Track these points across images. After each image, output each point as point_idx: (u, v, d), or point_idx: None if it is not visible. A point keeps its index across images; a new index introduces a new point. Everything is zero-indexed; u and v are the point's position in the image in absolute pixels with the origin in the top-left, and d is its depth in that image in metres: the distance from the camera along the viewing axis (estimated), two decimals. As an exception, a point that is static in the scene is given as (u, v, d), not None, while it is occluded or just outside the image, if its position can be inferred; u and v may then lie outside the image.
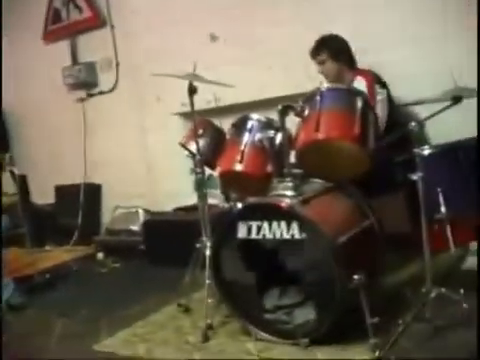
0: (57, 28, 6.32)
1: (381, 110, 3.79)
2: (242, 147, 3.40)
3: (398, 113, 3.93)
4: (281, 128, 3.17)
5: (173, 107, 5.20)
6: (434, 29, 4.01)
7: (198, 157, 3.53)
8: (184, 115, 5.13)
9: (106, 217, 6.15)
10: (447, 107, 2.92)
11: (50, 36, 6.39)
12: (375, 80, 3.91)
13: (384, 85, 3.95)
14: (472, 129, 3.28)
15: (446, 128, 3.62)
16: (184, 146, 3.93)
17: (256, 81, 4.75)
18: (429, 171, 2.97)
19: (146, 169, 5.84)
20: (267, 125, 3.42)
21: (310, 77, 4.24)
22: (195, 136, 3.54)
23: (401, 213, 3.40)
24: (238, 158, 3.37)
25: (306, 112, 3.10)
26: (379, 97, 3.84)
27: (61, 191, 6.53)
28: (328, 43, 4.00)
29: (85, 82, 6.17)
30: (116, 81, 6.01)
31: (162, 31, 5.37)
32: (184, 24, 5.19)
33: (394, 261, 3.67)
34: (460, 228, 3.05)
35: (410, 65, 4.09)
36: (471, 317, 2.90)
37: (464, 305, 2.90)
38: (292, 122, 3.28)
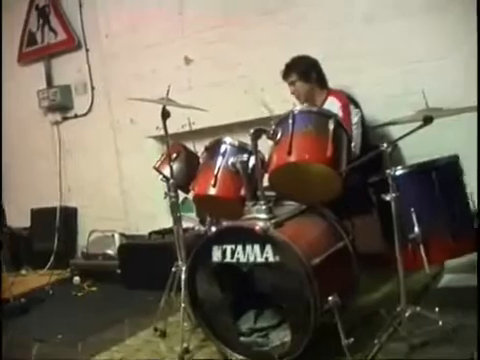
0: (32, 51, 6.35)
1: (356, 132, 3.86)
2: (216, 171, 3.40)
3: (371, 134, 3.99)
4: (254, 152, 3.18)
5: (148, 130, 5.22)
6: (407, 51, 4.09)
7: (172, 181, 3.54)
8: (159, 138, 5.16)
9: (82, 241, 6.11)
10: (418, 128, 2.94)
11: (25, 58, 6.42)
12: (349, 101, 3.97)
13: (357, 105, 4.01)
14: (445, 149, 3.33)
15: (420, 148, 3.68)
16: (158, 170, 3.95)
17: (231, 104, 4.81)
18: (402, 191, 2.99)
19: (121, 192, 5.84)
20: (240, 149, 3.43)
21: (285, 100, 4.28)
22: (169, 160, 3.55)
23: (375, 233, 3.42)
24: (212, 182, 3.37)
25: (278, 135, 3.11)
26: (355, 119, 3.90)
27: (37, 214, 6.50)
28: (297, 64, 4.06)
29: (60, 105, 6.20)
30: (91, 104, 6.04)
31: (137, 54, 5.42)
32: (159, 47, 5.24)
33: (369, 281, 3.68)
34: (434, 247, 3.07)
35: (383, 85, 4.17)
36: (447, 335, 2.92)
37: (440, 323, 2.93)
38: (267, 145, 3.30)
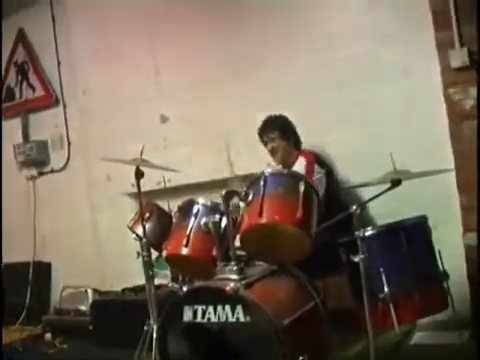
0: (10, 106, 6.41)
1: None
2: (188, 231, 3.43)
3: (343, 194, 4.07)
4: (225, 213, 3.23)
5: (124, 187, 5.23)
6: (375, 115, 4.22)
7: (144, 240, 3.56)
8: (135, 195, 5.17)
9: (55, 296, 6.05)
10: (387, 190, 3.00)
11: (3, 113, 6.44)
12: (315, 160, 4.07)
13: (323, 165, 4.10)
14: (413, 209, 3.40)
15: (389, 208, 3.75)
16: (131, 229, 3.98)
17: (205, 163, 4.89)
18: (372, 252, 3.02)
19: (96, 248, 5.82)
20: (212, 209, 3.47)
21: (260, 159, 4.39)
22: (141, 220, 3.58)
23: (346, 293, 3.45)
24: (184, 242, 3.40)
25: (250, 197, 3.17)
26: (316, 176, 3.97)
27: (10, 269, 6.39)
28: (276, 121, 4.17)
29: (36, 160, 6.23)
30: (67, 160, 6.07)
31: (114, 111, 5.50)
32: (135, 105, 5.32)
33: (340, 341, 3.67)
34: (404, 307, 3.09)
35: (353, 147, 4.26)
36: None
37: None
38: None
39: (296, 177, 3.25)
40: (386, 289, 3.05)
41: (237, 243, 3.24)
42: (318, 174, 4.00)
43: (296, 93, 4.50)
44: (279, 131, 4.14)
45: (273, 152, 4.18)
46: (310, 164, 4.01)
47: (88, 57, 5.73)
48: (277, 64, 4.60)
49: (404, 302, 3.10)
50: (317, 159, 4.11)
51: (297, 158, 4.13)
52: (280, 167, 4.15)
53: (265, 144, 4.23)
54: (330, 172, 4.14)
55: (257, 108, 4.51)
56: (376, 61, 4.20)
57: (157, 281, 3.78)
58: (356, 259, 2.99)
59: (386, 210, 3.80)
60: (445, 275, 3.20)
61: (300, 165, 4.00)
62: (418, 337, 3.87)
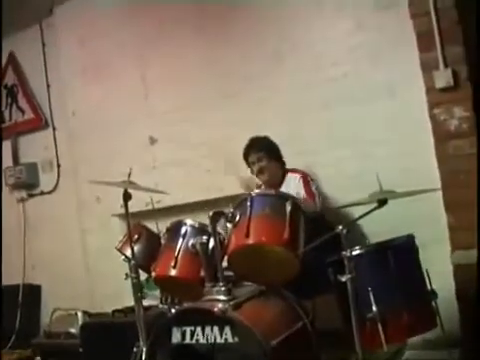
0: (1, 128, 6.40)
1: (319, 200, 3.99)
2: (176, 252, 3.45)
3: (330, 214, 4.04)
4: (212, 234, 3.24)
5: (113, 208, 5.20)
6: (362, 135, 4.24)
7: (133, 262, 3.56)
8: (124, 216, 5.16)
9: (46, 319, 6.00)
10: (373, 210, 3.00)
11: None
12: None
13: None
14: (401, 228, 3.39)
15: (377, 228, 3.77)
16: (120, 251, 4.00)
17: (194, 183, 4.89)
18: (359, 271, 3.02)
19: (86, 270, 5.81)
20: (200, 230, 3.49)
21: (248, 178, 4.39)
22: (130, 242, 3.59)
23: (334, 313, 3.44)
24: (172, 263, 3.42)
25: (237, 218, 3.19)
26: (314, 186, 4.05)
27: (-1, 292, 6.40)
28: (263, 142, 4.19)
29: (26, 182, 6.23)
30: (57, 182, 6.08)
31: (103, 133, 5.51)
32: (124, 126, 5.36)
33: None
34: (392, 326, 3.08)
35: (339, 167, 4.29)
36: None
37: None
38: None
39: (282, 197, 3.27)
40: (374, 308, 3.03)
41: (225, 264, 3.26)
42: (315, 184, 4.06)
43: (282, 113, 4.55)
44: (265, 151, 4.16)
45: (260, 172, 4.18)
46: (304, 176, 4.07)
47: (78, 79, 5.76)
48: (264, 84, 4.63)
49: (392, 321, 3.09)
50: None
51: (285, 176, 4.17)
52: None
53: (250, 165, 4.24)
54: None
55: (245, 129, 4.53)
56: (362, 81, 4.23)
57: (147, 302, 3.79)
58: (344, 279, 2.99)
59: (374, 229, 3.83)
60: (433, 294, 3.20)
61: (291, 180, 4.05)
62: (408, 356, 3.85)
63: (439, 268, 3.42)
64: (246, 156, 4.23)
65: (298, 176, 4.08)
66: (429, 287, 3.20)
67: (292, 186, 4.03)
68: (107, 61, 5.53)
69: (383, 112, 4.16)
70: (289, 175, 4.17)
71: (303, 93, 4.46)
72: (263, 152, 4.16)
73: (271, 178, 4.16)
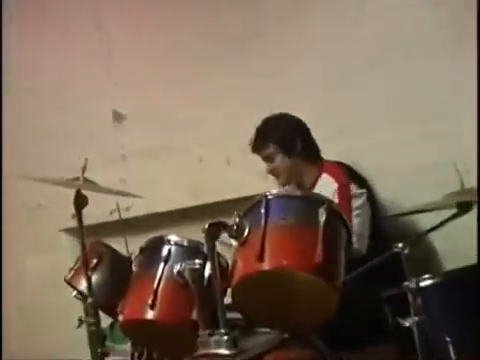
0: None
1: (361, 221, 3.90)
2: (155, 284, 3.38)
3: (381, 223, 4.05)
4: (209, 256, 3.18)
5: (61, 219, 5.21)
6: (427, 103, 4.18)
7: (89, 300, 3.51)
8: (75, 231, 5.15)
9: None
10: (451, 218, 2.98)
11: None
12: (349, 177, 4.03)
13: (363, 183, 4.08)
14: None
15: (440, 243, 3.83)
16: (71, 284, 3.97)
17: (180, 181, 4.87)
18: (431, 311, 2.99)
19: (19, 311, 5.84)
20: (191, 251, 3.45)
21: (259, 174, 4.37)
22: (86, 270, 3.53)
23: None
24: (149, 301, 3.35)
25: (245, 232, 3.11)
26: (357, 203, 3.94)
27: None
28: (274, 130, 4.15)
29: None
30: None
31: (41, 108, 5.60)
32: (75, 98, 5.46)
33: None
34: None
35: (397, 153, 4.25)
36: None
37: None
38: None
39: (313, 201, 3.19)
40: (453, 358, 3.01)
41: (228, 300, 3.20)
42: (359, 200, 3.97)
43: (312, 76, 4.51)
44: (279, 144, 4.12)
45: (275, 174, 4.19)
46: (344, 187, 3.97)
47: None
48: (284, 35, 4.62)
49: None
50: (352, 175, 4.09)
51: (319, 176, 4.12)
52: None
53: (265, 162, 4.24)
54: (371, 193, 4.12)
55: (254, 103, 4.58)
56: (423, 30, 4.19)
57: (112, 360, 3.74)
58: (407, 323, 2.94)
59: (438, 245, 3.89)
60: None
61: (326, 187, 3.96)
62: None
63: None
64: (255, 151, 4.22)
65: (336, 185, 3.98)
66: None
67: (325, 194, 3.94)
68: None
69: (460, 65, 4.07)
70: (324, 176, 4.10)
71: (339, 47, 4.42)
72: (277, 145, 4.12)
73: (291, 180, 4.14)
